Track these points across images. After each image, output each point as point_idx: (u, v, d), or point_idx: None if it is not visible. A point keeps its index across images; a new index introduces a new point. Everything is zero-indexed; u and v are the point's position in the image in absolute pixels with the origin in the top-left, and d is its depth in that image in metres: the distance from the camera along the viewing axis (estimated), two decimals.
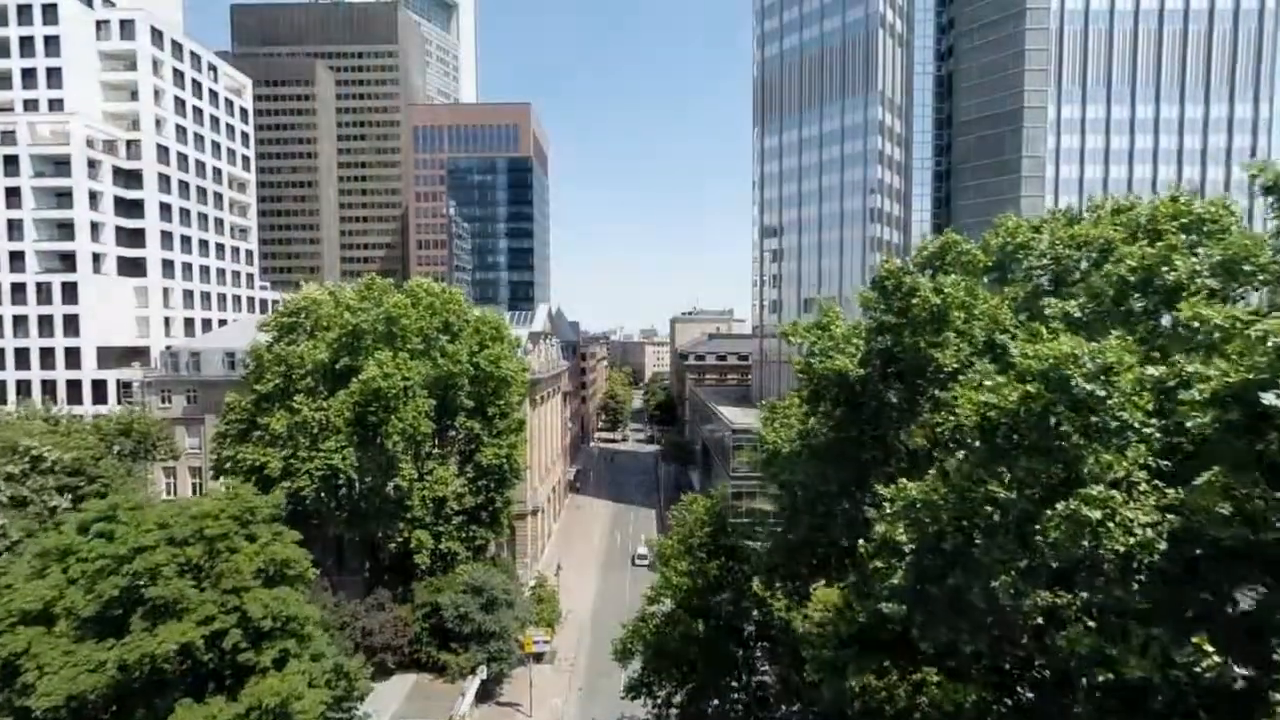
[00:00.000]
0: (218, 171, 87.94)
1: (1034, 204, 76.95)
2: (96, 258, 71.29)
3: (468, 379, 45.47)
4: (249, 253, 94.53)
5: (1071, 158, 75.96)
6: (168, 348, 67.86)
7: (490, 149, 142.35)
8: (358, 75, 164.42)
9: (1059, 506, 12.30)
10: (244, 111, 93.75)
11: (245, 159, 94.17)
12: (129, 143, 75.61)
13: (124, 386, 68.54)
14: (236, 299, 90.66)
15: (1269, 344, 11.00)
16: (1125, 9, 75.04)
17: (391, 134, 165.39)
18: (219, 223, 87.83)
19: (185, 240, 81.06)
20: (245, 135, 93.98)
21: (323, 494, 41.35)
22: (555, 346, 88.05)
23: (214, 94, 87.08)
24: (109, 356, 72.05)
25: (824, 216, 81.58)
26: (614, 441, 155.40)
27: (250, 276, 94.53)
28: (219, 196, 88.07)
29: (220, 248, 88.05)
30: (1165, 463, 12.76)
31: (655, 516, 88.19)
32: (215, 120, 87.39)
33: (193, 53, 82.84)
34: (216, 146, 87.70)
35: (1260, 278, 15.13)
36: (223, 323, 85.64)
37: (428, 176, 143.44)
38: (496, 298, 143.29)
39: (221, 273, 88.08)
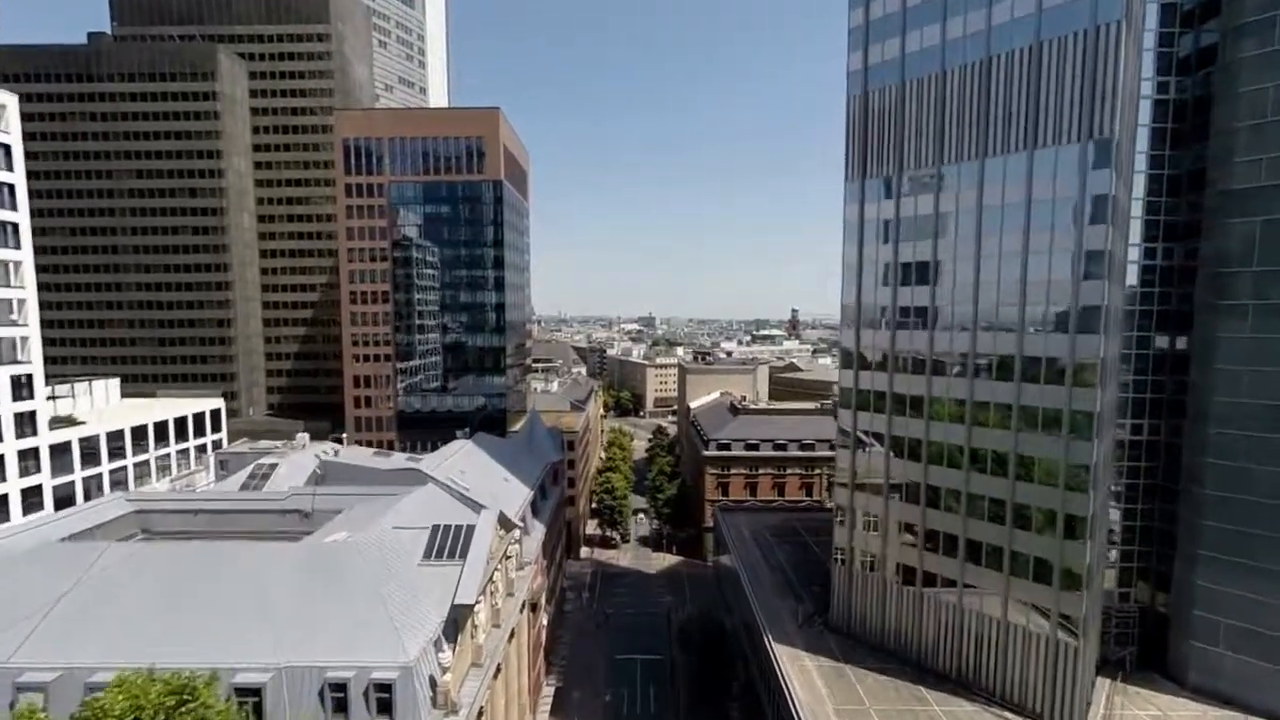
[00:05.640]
0: None
1: None
2: None
3: None
4: (21, 341, 58.09)
5: None
6: None
7: (447, 169, 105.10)
8: (277, 66, 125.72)
9: None
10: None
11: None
12: None
13: None
14: None
15: None
16: None
17: (324, 142, 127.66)
18: None
19: None
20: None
21: None
22: (517, 551, 53.05)
23: None
24: None
25: None
26: (610, 545, 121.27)
27: (25, 381, 58.17)
28: None
29: None
30: None
31: None
32: None
33: None
34: None
35: None
36: None
37: (364, 207, 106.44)
38: (466, 365, 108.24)
39: None
